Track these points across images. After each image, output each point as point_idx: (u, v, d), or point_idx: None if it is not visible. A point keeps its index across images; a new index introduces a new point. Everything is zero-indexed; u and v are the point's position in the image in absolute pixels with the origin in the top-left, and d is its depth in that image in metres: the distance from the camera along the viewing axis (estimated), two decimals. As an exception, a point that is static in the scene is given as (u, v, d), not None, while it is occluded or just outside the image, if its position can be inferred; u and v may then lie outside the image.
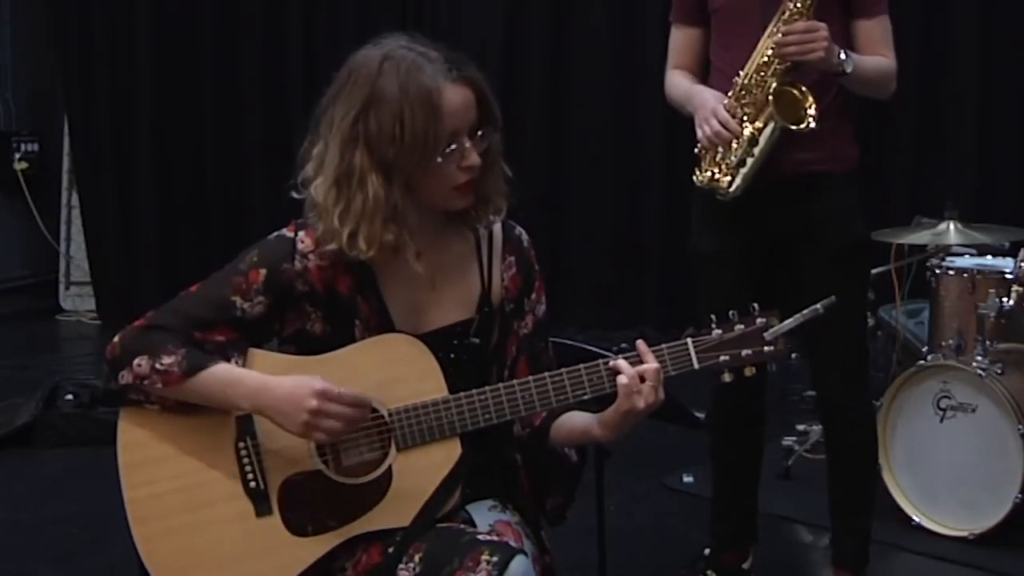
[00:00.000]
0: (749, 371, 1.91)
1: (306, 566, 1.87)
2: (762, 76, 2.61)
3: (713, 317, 1.91)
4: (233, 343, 1.92)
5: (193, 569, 1.88)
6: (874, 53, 2.69)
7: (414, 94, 1.84)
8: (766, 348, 1.90)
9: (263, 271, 1.92)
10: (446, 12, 6.17)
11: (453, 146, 1.88)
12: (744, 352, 1.90)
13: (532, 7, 6.12)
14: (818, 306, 1.92)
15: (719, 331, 1.90)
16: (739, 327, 1.90)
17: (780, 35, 2.57)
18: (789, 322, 1.91)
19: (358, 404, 1.85)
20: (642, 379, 1.86)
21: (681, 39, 2.87)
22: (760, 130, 2.62)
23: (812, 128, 2.58)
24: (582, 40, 6.07)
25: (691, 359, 1.90)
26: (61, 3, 6.61)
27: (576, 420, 1.99)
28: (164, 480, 1.90)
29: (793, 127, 2.59)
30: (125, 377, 1.88)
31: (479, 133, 1.91)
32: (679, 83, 2.84)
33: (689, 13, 2.84)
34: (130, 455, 1.91)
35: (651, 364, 1.87)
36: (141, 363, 1.87)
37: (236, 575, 1.88)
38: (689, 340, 1.90)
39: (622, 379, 1.86)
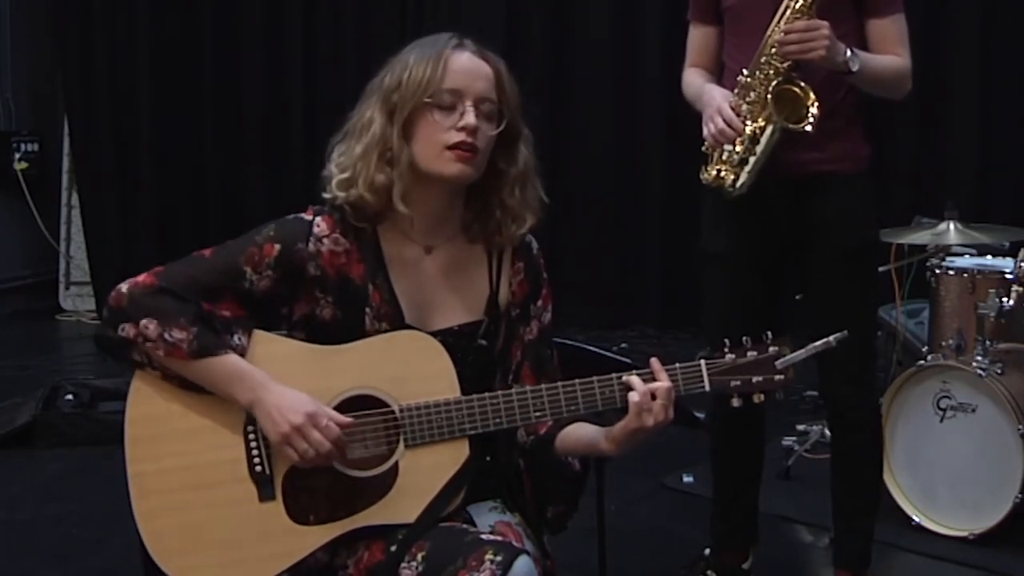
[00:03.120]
0: (758, 398, 1.93)
1: (304, 555, 1.88)
2: (764, 75, 2.61)
3: (727, 341, 1.92)
4: (239, 320, 1.92)
5: (191, 548, 1.88)
6: (887, 52, 2.67)
7: (426, 49, 1.96)
8: (776, 377, 1.92)
9: (277, 246, 1.94)
10: (446, 12, 6.17)
11: (455, 105, 1.91)
12: (755, 379, 1.92)
13: (532, 7, 6.13)
14: (831, 339, 1.94)
15: (732, 355, 1.92)
16: (751, 353, 1.92)
17: (782, 34, 2.57)
18: (800, 353, 1.93)
19: (338, 443, 1.86)
20: (653, 397, 1.87)
21: (697, 37, 2.88)
22: (761, 129, 2.61)
23: (810, 128, 2.57)
24: (582, 40, 6.08)
25: (703, 380, 1.91)
26: (61, 3, 6.61)
27: (582, 432, 2.00)
28: (170, 457, 1.89)
29: (792, 127, 2.58)
30: (126, 330, 1.87)
31: (487, 107, 1.95)
32: (692, 81, 2.85)
33: (704, 11, 2.84)
34: (138, 430, 1.91)
35: (664, 383, 1.88)
36: (149, 326, 1.86)
37: (234, 557, 1.88)
38: (703, 362, 1.92)
39: (633, 396, 1.87)
